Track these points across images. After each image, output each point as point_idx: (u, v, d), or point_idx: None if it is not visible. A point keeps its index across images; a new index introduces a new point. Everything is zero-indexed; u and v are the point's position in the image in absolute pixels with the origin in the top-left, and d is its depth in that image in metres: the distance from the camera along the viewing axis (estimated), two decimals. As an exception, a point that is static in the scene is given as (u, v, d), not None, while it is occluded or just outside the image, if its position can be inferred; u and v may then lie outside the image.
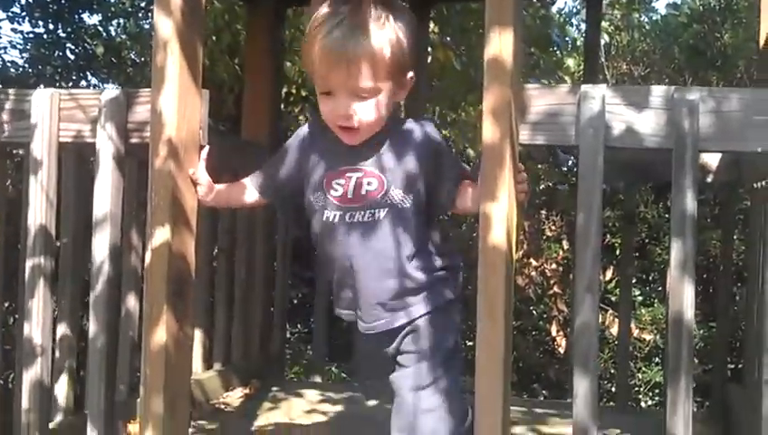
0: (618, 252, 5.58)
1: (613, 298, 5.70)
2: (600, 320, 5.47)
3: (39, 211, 2.19)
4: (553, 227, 5.80)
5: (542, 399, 4.98)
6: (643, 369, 6.21)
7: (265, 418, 3.20)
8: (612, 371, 6.25)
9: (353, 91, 1.94)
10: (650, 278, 6.45)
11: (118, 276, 2.23)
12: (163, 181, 2.05)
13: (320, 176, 2.06)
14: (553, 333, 5.77)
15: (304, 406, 3.41)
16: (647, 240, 6.37)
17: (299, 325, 5.82)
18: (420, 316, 2.05)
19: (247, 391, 3.55)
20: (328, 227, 2.05)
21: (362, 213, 2.02)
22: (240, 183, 2.25)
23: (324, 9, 1.99)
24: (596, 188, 1.88)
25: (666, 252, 6.20)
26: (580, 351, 1.91)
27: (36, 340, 2.21)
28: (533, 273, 5.68)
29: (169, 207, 2.05)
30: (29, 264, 2.20)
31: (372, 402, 3.50)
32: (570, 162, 5.85)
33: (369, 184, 2.02)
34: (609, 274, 5.55)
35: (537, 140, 1.97)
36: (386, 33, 1.94)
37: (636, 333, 5.69)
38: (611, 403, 5.24)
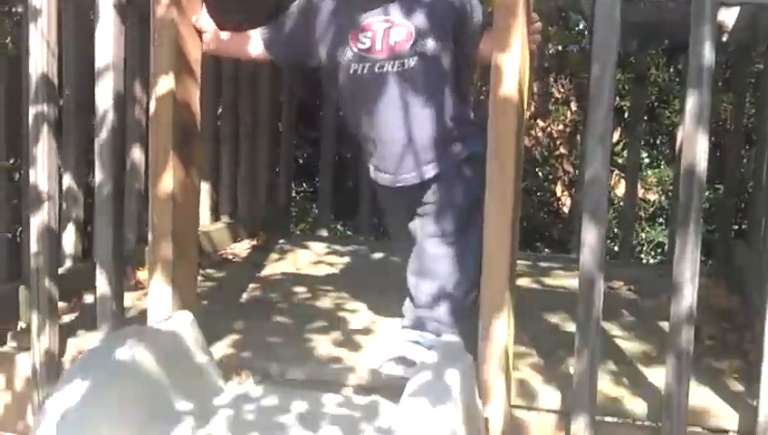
0: (627, 115, 5.52)
1: (620, 160, 5.67)
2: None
3: (40, 59, 2.14)
4: (561, 90, 5.71)
5: (544, 253, 5.03)
6: (647, 229, 6.23)
7: (272, 268, 3.23)
8: (616, 230, 6.30)
9: None
10: (658, 141, 6.40)
11: (122, 125, 2.20)
12: (166, 30, 2.01)
13: (342, 32, 2.03)
14: (558, 194, 5.76)
15: (311, 257, 3.45)
16: (656, 103, 6.28)
17: (304, 184, 5.81)
18: (448, 167, 2.03)
19: (254, 242, 3.58)
20: (356, 80, 2.03)
21: (392, 63, 2.00)
22: (246, 33, 2.20)
23: None
24: (612, 38, 1.83)
25: (675, 115, 6.15)
26: (591, 201, 1.90)
27: (42, 186, 2.19)
28: (540, 134, 5.62)
29: (173, 56, 2.02)
30: (32, 111, 2.17)
31: (378, 255, 3.53)
32: (581, 24, 5.73)
33: (397, 34, 2.00)
34: (616, 135, 5.49)
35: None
36: None
37: (641, 193, 5.67)
38: (615, 260, 5.31)
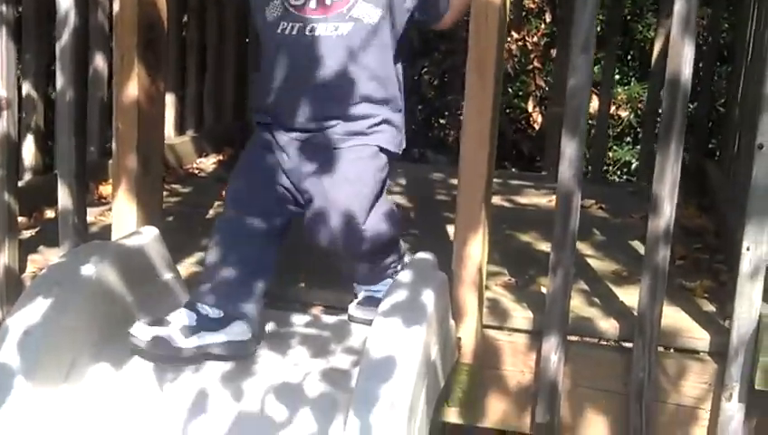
0: (600, 28, 5.45)
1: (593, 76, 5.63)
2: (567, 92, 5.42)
3: (-4, -46, 2.02)
4: (536, 0, 5.61)
5: (515, 171, 5.00)
6: (614, 147, 6.22)
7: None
8: (585, 151, 6.29)
9: None
10: (629, 56, 6.34)
11: (84, 28, 2.09)
12: None
13: None
14: (530, 110, 5.70)
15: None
16: (628, 17, 6.20)
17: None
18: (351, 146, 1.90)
19: (220, 157, 3.51)
20: (284, 40, 1.86)
21: (325, 26, 1.84)
22: None
23: None
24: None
25: (647, 29, 6.08)
26: (572, 112, 1.85)
27: (2, 91, 2.09)
28: (513, 47, 5.54)
29: (137, -50, 1.90)
30: (-13, 11, 2.05)
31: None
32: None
33: None
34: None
35: None
36: None
37: (612, 109, 5.63)
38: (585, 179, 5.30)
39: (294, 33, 1.85)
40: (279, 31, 1.86)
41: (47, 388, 1.60)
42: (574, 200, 1.88)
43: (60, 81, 2.07)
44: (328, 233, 1.81)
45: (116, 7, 1.95)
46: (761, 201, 1.80)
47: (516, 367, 2.01)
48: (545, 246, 2.48)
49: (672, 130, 1.79)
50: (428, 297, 1.62)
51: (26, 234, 2.42)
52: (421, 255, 1.94)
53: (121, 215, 2.03)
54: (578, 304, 2.10)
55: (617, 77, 6.20)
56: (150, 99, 2.00)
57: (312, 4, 1.84)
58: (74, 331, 1.67)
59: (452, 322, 1.85)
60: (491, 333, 2.02)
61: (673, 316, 2.04)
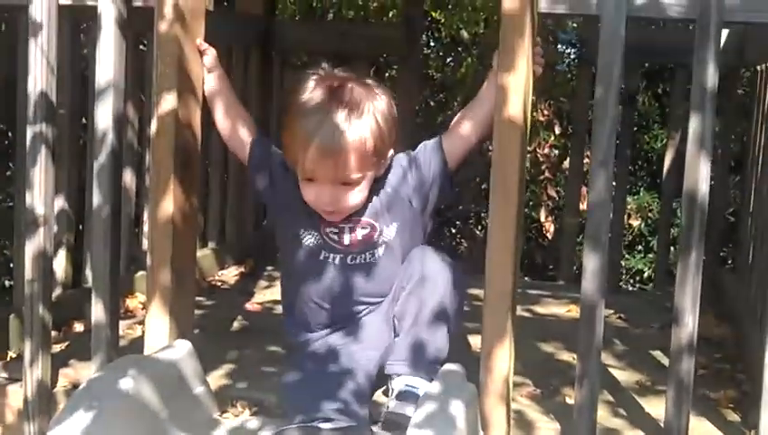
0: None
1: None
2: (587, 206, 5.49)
3: (40, 77, 2.11)
4: (546, 113, 5.76)
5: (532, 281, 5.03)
6: (626, 256, 6.28)
7: (262, 295, 3.21)
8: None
9: (338, 181, 2.01)
10: (637, 166, 6.46)
11: (120, 147, 2.17)
12: (169, 47, 2.00)
13: (311, 218, 2.11)
14: (542, 219, 5.79)
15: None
16: (635, 128, 6.36)
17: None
18: None
19: (242, 269, 3.55)
20: (322, 264, 2.13)
21: (363, 255, 2.12)
22: (244, 112, 2.26)
23: (305, 93, 2.03)
24: (616, 59, 1.83)
25: (654, 140, 6.21)
26: (593, 225, 1.90)
27: (39, 210, 2.16)
28: (524, 158, 5.65)
29: (176, 75, 2.00)
30: (30, 132, 2.13)
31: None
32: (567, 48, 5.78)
33: (362, 228, 2.10)
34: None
35: (558, 9, 1.91)
36: (369, 122, 2.00)
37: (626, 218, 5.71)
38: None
39: (337, 262, 2.12)
40: (320, 258, 2.12)
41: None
42: (598, 312, 1.92)
43: (96, 198, 2.13)
44: None
45: (152, 129, 2.04)
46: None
47: (546, 481, 2.02)
48: (567, 356, 2.51)
49: (691, 244, 1.85)
50: (459, 410, 1.65)
51: (56, 348, 2.45)
52: (450, 366, 1.97)
53: (154, 328, 2.07)
54: (603, 415, 2.10)
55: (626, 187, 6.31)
56: (185, 216, 2.07)
57: (346, 242, 2.11)
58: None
59: (482, 433, 1.87)
60: (518, 445, 2.04)
61: (699, 427, 2.05)
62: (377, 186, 2.11)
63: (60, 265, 2.75)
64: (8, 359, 2.40)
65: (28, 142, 2.13)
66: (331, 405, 1.87)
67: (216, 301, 3.14)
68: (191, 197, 2.08)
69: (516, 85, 1.81)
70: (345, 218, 2.09)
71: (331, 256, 2.11)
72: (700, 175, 1.83)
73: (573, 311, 3.25)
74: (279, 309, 2.96)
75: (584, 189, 5.40)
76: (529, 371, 2.40)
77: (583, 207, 5.27)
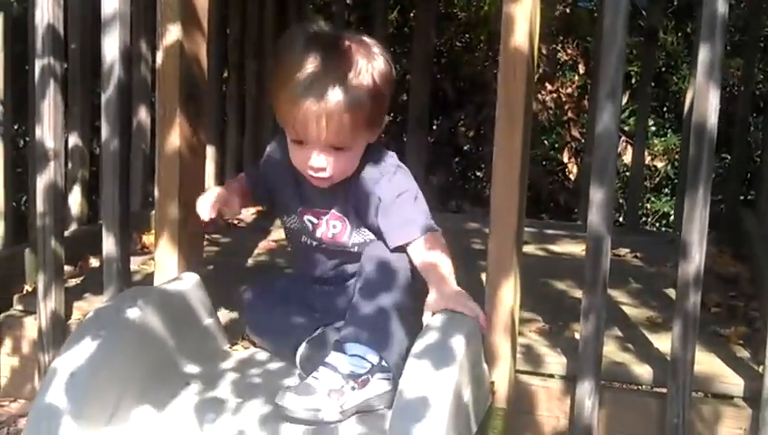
0: (634, 80, 5.49)
1: (627, 127, 5.65)
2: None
3: (46, 10, 2.11)
4: (569, 52, 5.67)
5: (549, 221, 5.01)
6: (652, 199, 6.22)
7: (278, 233, 3.23)
8: (621, 201, 6.29)
9: (329, 144, 1.87)
10: (665, 108, 6.36)
11: (129, 80, 2.18)
12: (173, -22, 1.97)
13: (294, 205, 2.06)
14: (565, 160, 5.74)
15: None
16: (663, 69, 6.24)
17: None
18: None
19: (260, 208, 3.57)
20: (304, 245, 2.08)
21: (333, 248, 2.03)
22: (243, 187, 2.17)
23: (297, 50, 1.85)
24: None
25: (682, 81, 6.11)
26: (599, 158, 1.88)
27: (49, 144, 2.18)
28: (547, 99, 5.59)
29: (180, 6, 1.98)
30: (38, 65, 2.13)
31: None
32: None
33: (334, 227, 2.01)
34: (624, 100, 5.46)
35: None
36: (364, 85, 1.84)
37: (648, 161, 5.64)
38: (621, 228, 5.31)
39: (313, 244, 2.06)
40: (301, 239, 2.07)
41: (92, 429, 1.64)
42: (604, 245, 1.91)
43: (105, 132, 2.15)
44: None
45: (158, 61, 2.03)
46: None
47: (551, 412, 2.03)
48: (579, 294, 2.50)
49: (699, 177, 1.82)
50: (459, 340, 1.65)
51: (72, 282, 2.49)
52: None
53: (163, 261, 2.09)
54: (612, 350, 2.11)
55: (653, 128, 6.23)
56: (192, 149, 2.07)
57: (318, 233, 2.03)
58: (119, 373, 1.72)
59: (485, 365, 1.87)
60: (525, 378, 2.04)
61: (707, 362, 2.05)
62: (363, 179, 1.97)
63: (75, 201, 2.78)
64: (24, 292, 2.44)
65: (36, 76, 2.15)
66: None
67: (233, 238, 3.17)
68: (198, 129, 2.08)
69: (522, 14, 1.78)
70: (321, 209, 2.02)
71: (308, 240, 2.06)
72: (709, 106, 1.80)
73: (588, 249, 3.24)
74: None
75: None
76: (540, 307, 2.41)
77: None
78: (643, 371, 2.03)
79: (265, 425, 1.69)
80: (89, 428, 1.62)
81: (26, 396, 2.32)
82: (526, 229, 3.23)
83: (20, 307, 2.39)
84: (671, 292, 2.57)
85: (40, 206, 2.21)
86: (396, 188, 1.95)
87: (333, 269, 2.07)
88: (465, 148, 6.08)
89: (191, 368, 1.90)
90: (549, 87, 5.53)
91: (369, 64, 1.86)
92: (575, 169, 5.72)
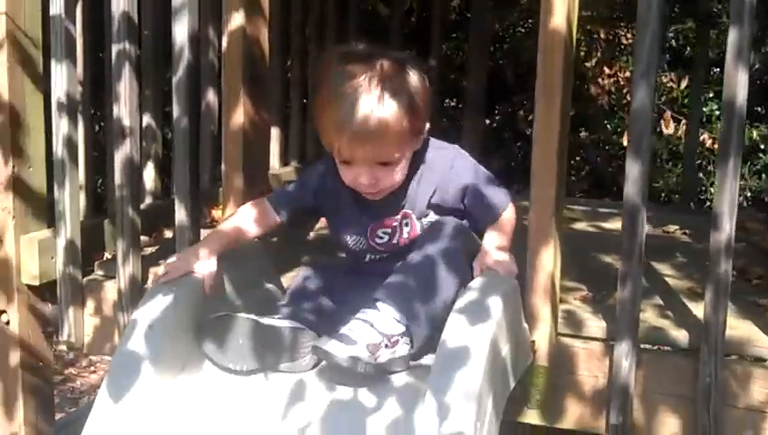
0: (689, 56, 5.55)
1: (685, 109, 5.69)
2: (674, 130, 5.49)
3: (121, -2, 2.31)
4: (629, 36, 5.72)
5: (603, 201, 5.09)
6: (713, 180, 6.24)
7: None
8: (676, 178, 6.34)
9: (376, 161, 1.97)
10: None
11: (197, 63, 2.35)
12: (236, -34, 2.15)
13: (359, 223, 2.12)
14: (625, 144, 5.77)
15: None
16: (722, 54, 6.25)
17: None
18: None
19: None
20: (365, 262, 2.17)
21: (395, 254, 2.11)
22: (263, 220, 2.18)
23: (334, 75, 1.95)
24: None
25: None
26: (635, 134, 1.99)
27: (125, 121, 2.37)
28: (606, 82, 5.65)
29: (243, -7, 2.16)
30: (114, 49, 2.33)
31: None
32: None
33: (406, 225, 2.11)
34: (684, 83, 5.50)
35: None
36: (403, 100, 1.93)
37: (709, 143, 5.67)
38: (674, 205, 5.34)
39: (377, 259, 2.15)
40: (365, 259, 2.17)
41: (167, 376, 1.83)
42: (640, 216, 2.02)
43: (176, 111, 2.33)
44: None
45: (224, 46, 2.21)
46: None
47: (591, 372, 2.14)
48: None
49: (729, 151, 1.92)
50: (497, 300, 1.78)
51: (147, 251, 2.68)
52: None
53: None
54: (651, 316, 2.22)
55: (717, 112, 6.23)
56: (255, 126, 2.24)
57: (394, 240, 2.12)
58: (190, 327, 1.91)
59: (525, 326, 2.01)
60: (567, 340, 2.16)
61: (743, 328, 2.14)
62: (422, 175, 2.10)
63: (149, 177, 2.99)
64: (104, 259, 2.65)
65: (113, 59, 2.34)
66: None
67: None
68: (261, 109, 2.25)
69: (560, -3, 1.91)
70: (391, 217, 2.11)
71: (375, 256, 2.16)
72: (738, 84, 1.90)
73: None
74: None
75: (668, 113, 5.43)
76: (586, 278, 2.52)
77: (665, 130, 5.32)
78: (679, 334, 2.13)
79: (322, 375, 1.86)
80: (164, 373, 1.82)
81: (107, 353, 2.53)
82: (580, 208, 3.34)
83: (101, 272, 2.59)
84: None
85: (117, 178, 2.41)
86: (471, 168, 2.11)
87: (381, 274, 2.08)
88: (527, 132, 6.18)
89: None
90: (607, 71, 5.59)
91: (405, 80, 1.96)
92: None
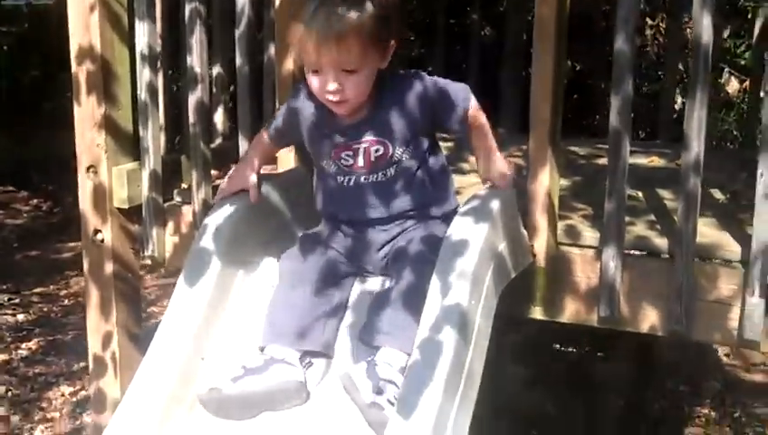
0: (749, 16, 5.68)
1: (743, 61, 5.87)
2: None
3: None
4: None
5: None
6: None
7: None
8: (736, 132, 6.52)
9: (340, 67, 2.06)
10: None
11: (256, 18, 2.81)
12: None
13: (327, 147, 2.26)
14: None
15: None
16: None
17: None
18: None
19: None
20: (342, 187, 2.27)
21: (375, 175, 2.23)
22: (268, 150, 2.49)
23: None
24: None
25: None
26: (618, 71, 2.33)
27: (197, 69, 2.83)
28: (649, 32, 5.86)
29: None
30: (188, 8, 2.80)
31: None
32: None
33: (376, 151, 2.21)
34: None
35: None
36: (366, 8, 2.03)
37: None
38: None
39: (351, 183, 2.26)
40: (338, 182, 2.27)
41: (233, 269, 2.27)
42: (623, 139, 2.36)
43: (238, 60, 2.80)
44: None
45: (276, 4, 2.66)
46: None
47: (585, 274, 2.51)
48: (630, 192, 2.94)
49: (697, 86, 2.27)
50: (495, 203, 2.17)
51: (218, 182, 3.13)
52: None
53: (284, 158, 2.73)
54: (641, 229, 2.58)
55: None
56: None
57: (360, 163, 2.24)
58: (251, 232, 2.35)
59: (523, 230, 2.41)
60: (566, 248, 2.54)
61: (714, 235, 2.51)
62: (387, 100, 2.19)
63: (219, 119, 3.46)
64: (182, 188, 3.13)
65: (186, 17, 2.81)
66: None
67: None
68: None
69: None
70: (356, 140, 2.21)
71: (346, 178, 2.25)
72: (703, 26, 2.24)
73: (655, 161, 3.68)
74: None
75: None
76: (595, 202, 2.83)
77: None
78: (661, 242, 2.49)
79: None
80: (230, 267, 2.27)
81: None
82: (604, 146, 3.64)
83: (179, 199, 3.07)
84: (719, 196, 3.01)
85: (191, 118, 2.88)
86: (431, 80, 2.23)
87: (362, 214, 2.26)
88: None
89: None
90: (650, 21, 5.82)
91: None
92: (679, 100, 6.03)
